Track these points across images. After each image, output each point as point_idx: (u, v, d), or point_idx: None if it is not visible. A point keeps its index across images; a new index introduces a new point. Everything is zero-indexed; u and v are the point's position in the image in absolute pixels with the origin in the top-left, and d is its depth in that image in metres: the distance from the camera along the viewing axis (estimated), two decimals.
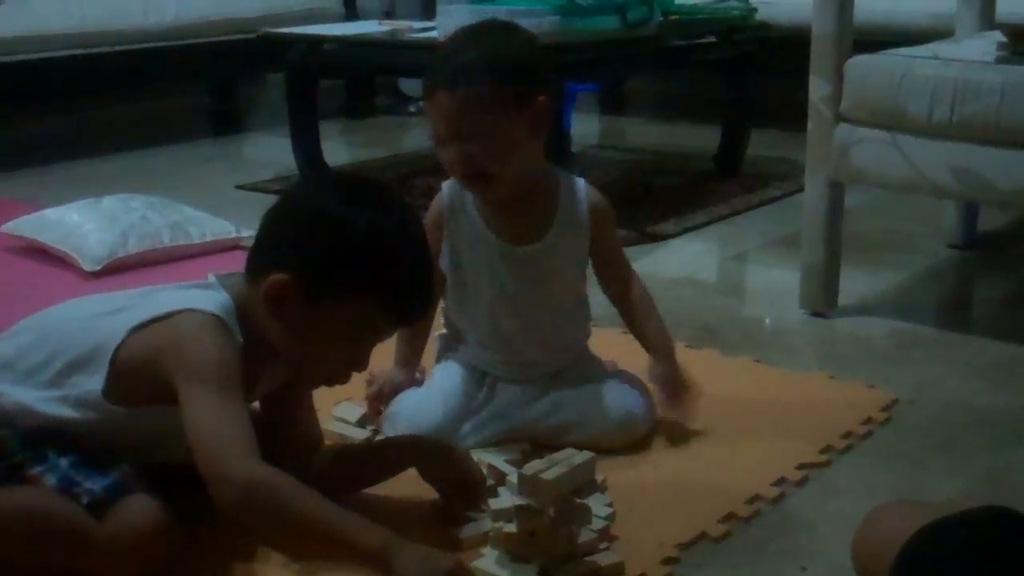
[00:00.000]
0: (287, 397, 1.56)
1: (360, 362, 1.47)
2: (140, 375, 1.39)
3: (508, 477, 1.42)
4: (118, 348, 1.40)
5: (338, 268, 1.40)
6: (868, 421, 1.82)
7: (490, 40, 1.66)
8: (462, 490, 1.52)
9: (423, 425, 1.68)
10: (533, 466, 1.36)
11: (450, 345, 1.81)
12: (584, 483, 1.39)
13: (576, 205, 1.73)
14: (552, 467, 1.35)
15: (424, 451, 1.57)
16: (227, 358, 1.36)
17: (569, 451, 1.40)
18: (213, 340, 1.37)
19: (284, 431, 1.54)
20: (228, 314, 1.40)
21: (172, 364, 1.36)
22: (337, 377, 1.49)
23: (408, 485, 1.56)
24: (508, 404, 1.73)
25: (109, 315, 1.44)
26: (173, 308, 1.40)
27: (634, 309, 1.80)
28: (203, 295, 1.43)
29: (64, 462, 1.40)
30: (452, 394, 1.73)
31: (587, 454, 1.40)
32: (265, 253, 1.45)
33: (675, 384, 1.77)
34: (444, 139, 1.63)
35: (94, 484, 1.37)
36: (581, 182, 1.76)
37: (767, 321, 2.40)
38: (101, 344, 1.41)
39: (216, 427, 1.31)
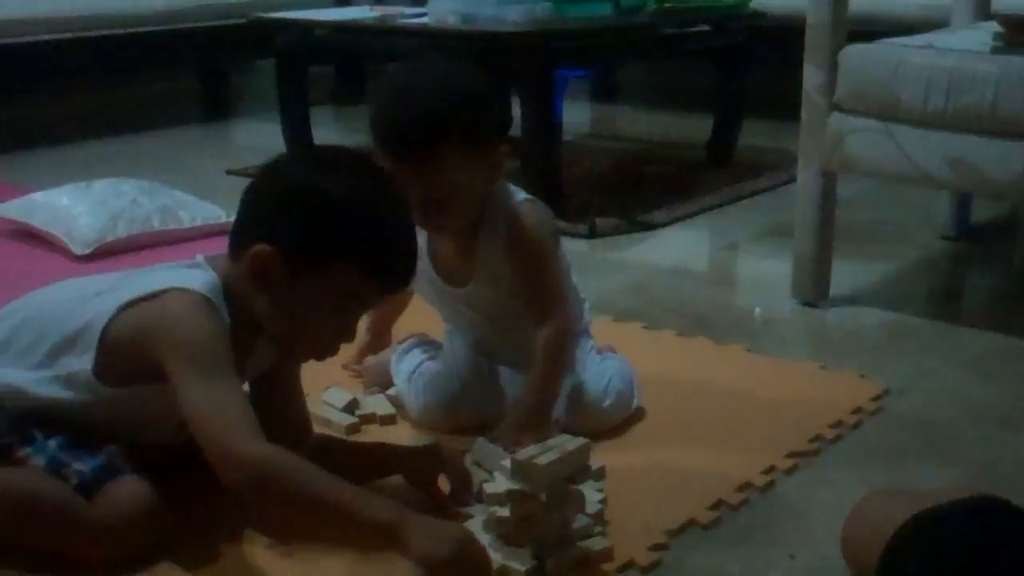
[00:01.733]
0: (276, 380, 1.55)
1: (347, 332, 1.47)
2: (129, 354, 1.38)
3: (502, 462, 1.41)
4: (106, 327, 1.39)
5: (319, 236, 1.39)
6: (858, 411, 1.82)
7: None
8: (451, 491, 1.52)
9: (440, 398, 1.73)
10: (527, 451, 1.36)
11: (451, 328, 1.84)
12: (578, 469, 1.38)
13: (495, 241, 1.66)
14: (546, 452, 1.35)
15: (410, 458, 1.56)
16: (216, 338, 1.36)
17: (563, 437, 1.40)
18: (201, 320, 1.36)
19: (273, 415, 1.52)
20: (215, 293, 1.39)
21: (160, 344, 1.35)
22: (325, 349, 1.48)
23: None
24: (506, 383, 1.75)
25: (97, 296, 1.43)
26: (160, 287, 1.39)
27: (533, 355, 1.65)
28: (190, 274, 1.42)
29: (52, 443, 1.40)
30: (464, 368, 1.75)
31: (581, 440, 1.40)
32: (246, 229, 1.44)
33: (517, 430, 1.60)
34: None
35: (83, 465, 1.37)
36: (509, 207, 1.66)
37: (758, 311, 2.40)
38: (89, 324, 1.40)
39: (216, 409, 1.31)
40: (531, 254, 1.66)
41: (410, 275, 1.48)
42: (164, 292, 1.38)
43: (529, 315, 1.66)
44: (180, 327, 1.35)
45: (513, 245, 1.65)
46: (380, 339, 1.92)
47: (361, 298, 1.44)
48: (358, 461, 1.58)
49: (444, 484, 1.53)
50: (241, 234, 1.44)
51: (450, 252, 1.71)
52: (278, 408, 1.55)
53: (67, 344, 1.41)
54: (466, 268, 1.69)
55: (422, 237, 1.68)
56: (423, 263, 1.69)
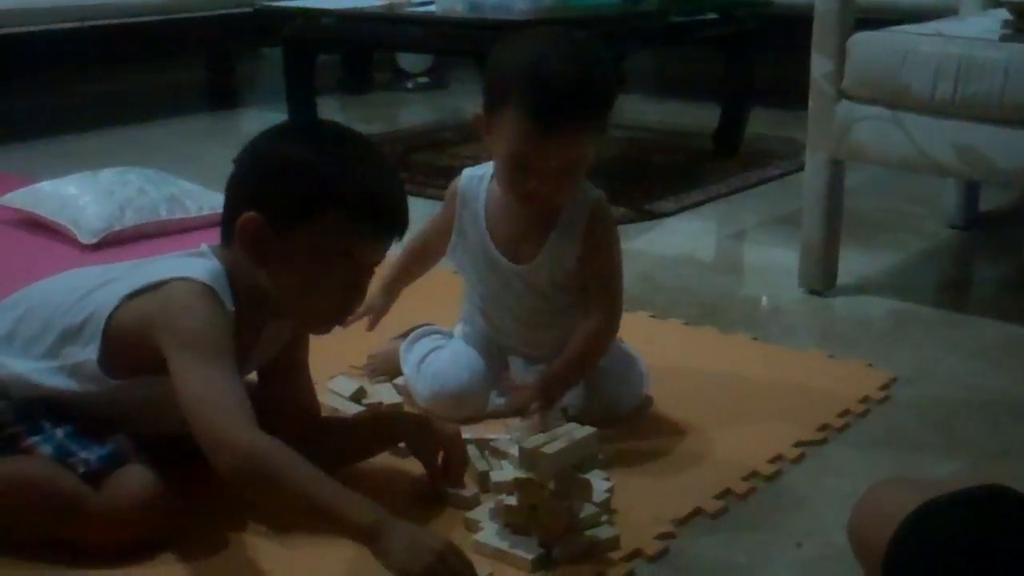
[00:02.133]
0: (286, 364, 1.56)
1: (356, 289, 1.46)
2: (131, 344, 1.38)
3: (509, 451, 1.41)
4: (110, 317, 1.39)
5: (296, 189, 1.40)
6: (866, 400, 1.82)
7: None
8: (443, 467, 1.53)
9: (449, 385, 1.73)
10: (534, 440, 1.36)
11: (467, 316, 1.84)
12: (585, 458, 1.38)
13: (575, 223, 1.69)
14: (553, 441, 1.35)
15: (411, 425, 1.57)
16: (217, 327, 1.36)
17: (571, 425, 1.40)
18: (203, 309, 1.36)
19: (282, 402, 1.53)
20: (219, 281, 1.39)
21: (161, 333, 1.35)
22: (340, 311, 1.47)
23: (399, 463, 1.57)
24: (518, 372, 1.77)
25: (102, 286, 1.44)
26: (164, 276, 1.39)
27: (575, 333, 1.69)
28: (194, 263, 1.42)
29: (60, 432, 1.40)
30: (475, 361, 1.76)
31: (588, 429, 1.39)
32: (230, 209, 1.44)
33: (537, 390, 1.65)
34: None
35: (90, 454, 1.37)
36: (590, 198, 1.70)
37: (765, 300, 2.39)
38: (94, 314, 1.40)
39: (212, 397, 1.30)
40: (609, 244, 1.71)
41: (401, 217, 1.46)
42: (167, 282, 1.38)
43: (586, 301, 1.70)
44: (180, 317, 1.35)
45: (595, 231, 1.69)
46: (390, 298, 1.86)
47: (358, 248, 1.43)
48: (363, 432, 1.60)
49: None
50: (228, 218, 1.44)
51: (515, 227, 1.71)
52: (287, 393, 1.56)
53: (72, 334, 1.41)
54: (533, 246, 1.70)
55: (480, 209, 1.72)
56: (480, 235, 1.73)
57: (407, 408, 1.77)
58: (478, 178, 1.75)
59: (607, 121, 1.65)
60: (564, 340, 1.71)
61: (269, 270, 1.42)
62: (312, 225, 1.40)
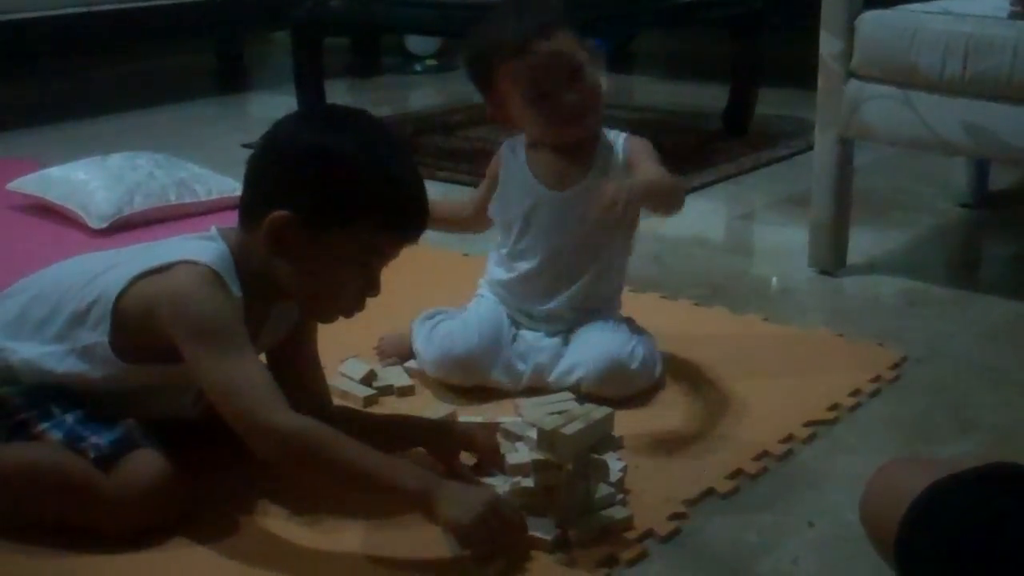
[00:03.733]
0: (293, 350, 1.56)
1: (371, 287, 1.46)
2: (139, 327, 1.38)
3: (524, 433, 1.42)
4: (118, 298, 1.39)
5: (334, 195, 1.39)
6: (877, 379, 1.82)
7: None
8: (477, 465, 1.53)
9: (457, 349, 1.75)
10: (552, 421, 1.36)
11: (483, 287, 1.88)
12: (602, 439, 1.39)
13: (613, 151, 1.81)
14: (571, 422, 1.35)
15: (430, 432, 1.57)
16: (228, 312, 1.36)
17: (588, 406, 1.41)
18: (211, 295, 1.36)
19: (292, 384, 1.53)
20: (225, 265, 1.39)
21: (171, 321, 1.35)
22: (352, 307, 1.48)
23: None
24: (528, 348, 1.79)
25: (110, 269, 1.43)
26: (170, 259, 1.39)
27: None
28: (200, 246, 1.42)
29: (70, 418, 1.40)
30: (486, 326, 1.79)
31: (605, 409, 1.40)
32: (258, 197, 1.43)
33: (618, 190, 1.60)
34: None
35: (101, 439, 1.38)
36: (620, 133, 1.85)
37: (775, 280, 2.39)
38: (101, 296, 1.40)
39: (239, 384, 1.31)
40: (648, 148, 1.83)
41: (425, 222, 1.48)
42: (173, 265, 1.38)
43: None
44: (189, 304, 1.35)
45: (636, 147, 1.82)
46: None
47: (381, 250, 1.44)
48: (379, 433, 1.58)
49: (465, 457, 1.54)
50: (252, 204, 1.43)
51: (557, 164, 1.79)
52: (297, 378, 1.55)
53: (81, 316, 1.41)
54: (577, 175, 1.78)
55: (521, 156, 1.81)
56: (523, 174, 1.80)
57: (417, 390, 1.77)
58: (517, 140, 1.84)
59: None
60: (581, 301, 1.79)
61: (290, 265, 1.41)
62: (345, 231, 1.40)
